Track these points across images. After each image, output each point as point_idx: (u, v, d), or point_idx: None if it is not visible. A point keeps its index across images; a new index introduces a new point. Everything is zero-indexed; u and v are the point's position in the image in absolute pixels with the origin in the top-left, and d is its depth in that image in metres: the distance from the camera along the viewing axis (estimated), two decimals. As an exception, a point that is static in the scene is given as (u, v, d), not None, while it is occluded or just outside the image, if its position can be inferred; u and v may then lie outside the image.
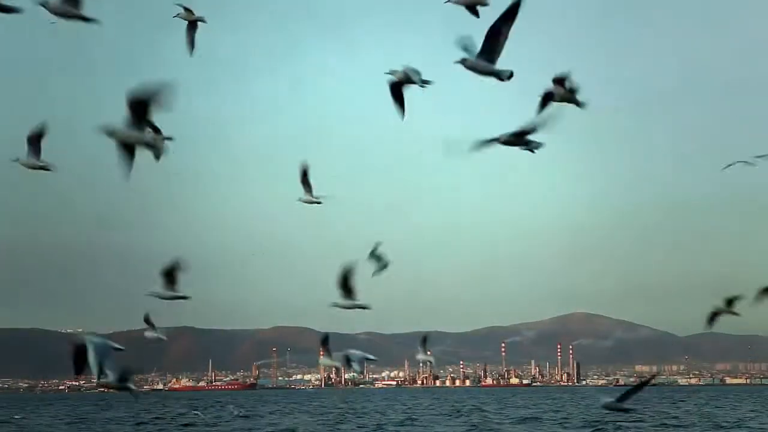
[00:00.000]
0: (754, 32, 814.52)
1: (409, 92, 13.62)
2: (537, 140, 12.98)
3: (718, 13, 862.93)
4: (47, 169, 13.35)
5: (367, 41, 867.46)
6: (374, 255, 15.45)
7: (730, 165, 19.63)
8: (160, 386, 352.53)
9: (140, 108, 10.82)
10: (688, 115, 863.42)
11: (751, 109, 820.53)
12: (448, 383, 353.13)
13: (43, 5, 12.28)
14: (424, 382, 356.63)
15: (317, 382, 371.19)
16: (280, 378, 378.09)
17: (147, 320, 18.20)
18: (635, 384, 13.06)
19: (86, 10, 12.16)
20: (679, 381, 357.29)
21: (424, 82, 13.43)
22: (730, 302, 16.43)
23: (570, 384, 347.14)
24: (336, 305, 14.57)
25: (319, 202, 14.22)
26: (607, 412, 13.88)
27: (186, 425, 55.62)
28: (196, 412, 69.80)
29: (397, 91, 13.53)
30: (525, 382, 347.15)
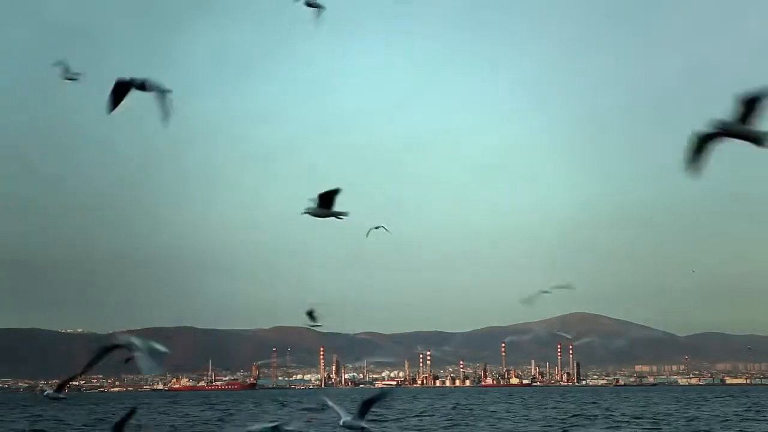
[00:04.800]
0: (758, 32, 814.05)
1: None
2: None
3: (722, 13, 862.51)
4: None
5: (370, 38, 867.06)
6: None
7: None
8: (161, 386, 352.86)
9: None
10: (689, 115, 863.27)
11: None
12: (448, 383, 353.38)
13: None
14: (424, 382, 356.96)
15: (317, 382, 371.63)
16: (280, 378, 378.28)
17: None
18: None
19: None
20: (679, 381, 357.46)
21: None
22: None
23: (570, 384, 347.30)
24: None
25: None
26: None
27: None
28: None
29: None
30: (525, 382, 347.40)
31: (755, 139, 11.48)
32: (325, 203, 14.60)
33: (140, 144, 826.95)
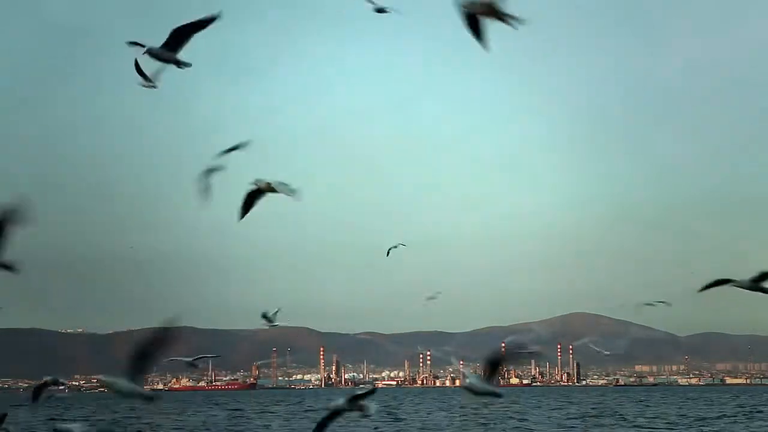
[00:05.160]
0: (759, 33, 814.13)
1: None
2: None
3: (722, 13, 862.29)
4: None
5: (370, 37, 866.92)
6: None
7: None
8: (161, 386, 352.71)
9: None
10: (689, 114, 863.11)
11: (755, 109, 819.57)
12: (448, 383, 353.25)
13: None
14: (424, 382, 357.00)
15: (317, 382, 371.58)
16: (280, 378, 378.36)
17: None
18: None
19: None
20: (679, 381, 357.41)
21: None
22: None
23: (570, 384, 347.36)
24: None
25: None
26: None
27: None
28: None
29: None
30: (525, 382, 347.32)
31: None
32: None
33: (140, 144, 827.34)
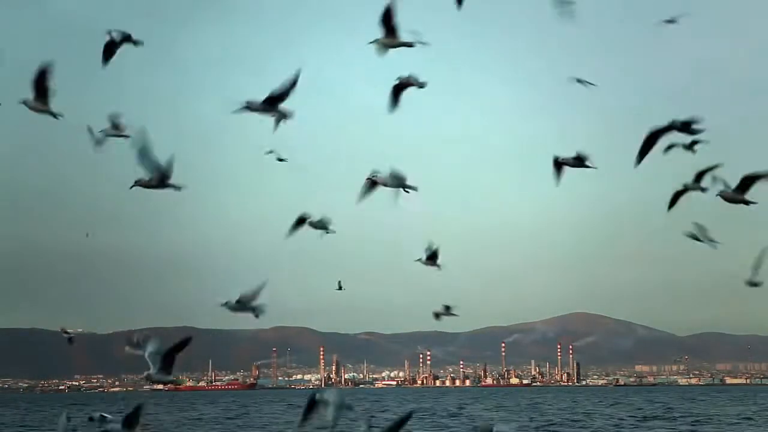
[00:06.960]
0: (765, 33, 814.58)
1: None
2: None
3: (729, 14, 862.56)
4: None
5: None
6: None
7: None
8: (160, 386, 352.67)
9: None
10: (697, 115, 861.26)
11: (758, 110, 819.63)
12: (448, 383, 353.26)
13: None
14: (424, 382, 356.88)
15: (317, 382, 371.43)
16: (280, 378, 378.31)
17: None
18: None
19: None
20: (679, 381, 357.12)
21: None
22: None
23: (570, 384, 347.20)
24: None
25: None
26: None
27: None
28: None
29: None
30: (525, 382, 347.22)
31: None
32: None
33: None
